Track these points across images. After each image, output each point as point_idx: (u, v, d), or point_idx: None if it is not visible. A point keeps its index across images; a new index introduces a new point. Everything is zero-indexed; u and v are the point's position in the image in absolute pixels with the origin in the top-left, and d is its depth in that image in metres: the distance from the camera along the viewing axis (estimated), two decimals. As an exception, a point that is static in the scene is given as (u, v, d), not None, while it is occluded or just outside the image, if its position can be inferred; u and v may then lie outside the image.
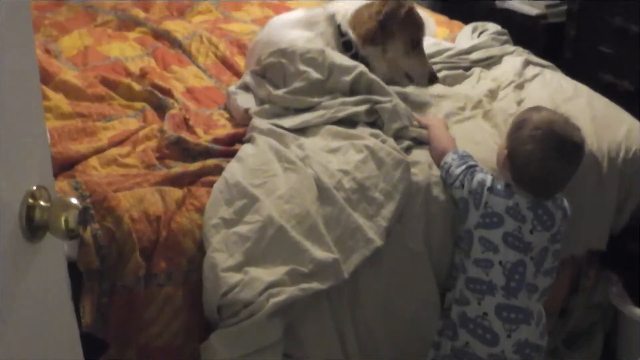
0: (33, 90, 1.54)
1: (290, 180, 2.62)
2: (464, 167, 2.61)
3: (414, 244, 2.67)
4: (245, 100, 3.06)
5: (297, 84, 2.98)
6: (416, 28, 3.13)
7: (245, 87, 3.13)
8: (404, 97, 3.08)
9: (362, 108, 2.89)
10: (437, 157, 2.74)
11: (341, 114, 2.88)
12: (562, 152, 2.51)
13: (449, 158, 2.67)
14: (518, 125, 2.59)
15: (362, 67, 3.01)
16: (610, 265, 3.08)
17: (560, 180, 2.58)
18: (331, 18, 3.23)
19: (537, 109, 2.66)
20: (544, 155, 2.50)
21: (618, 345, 3.09)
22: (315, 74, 2.97)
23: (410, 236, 2.67)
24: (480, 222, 2.54)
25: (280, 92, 2.99)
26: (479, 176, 2.58)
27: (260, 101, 3.03)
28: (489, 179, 2.57)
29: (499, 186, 2.55)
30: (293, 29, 3.22)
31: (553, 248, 2.56)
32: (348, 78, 2.97)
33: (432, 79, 3.17)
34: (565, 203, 2.61)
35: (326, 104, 2.94)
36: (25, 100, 1.47)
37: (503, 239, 2.51)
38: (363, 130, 2.83)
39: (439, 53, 3.52)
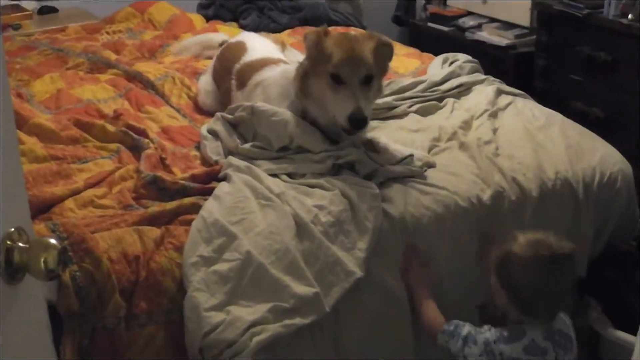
0: (8, 132, 1.52)
1: (268, 217, 2.62)
2: (459, 342, 2.45)
3: (392, 281, 2.67)
4: (214, 150, 3.07)
5: (264, 142, 3.00)
6: (334, 60, 2.81)
7: (215, 134, 3.13)
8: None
9: (327, 165, 2.88)
10: (427, 332, 2.63)
11: (305, 171, 2.88)
12: (560, 268, 2.43)
13: (442, 340, 2.50)
14: (503, 263, 2.46)
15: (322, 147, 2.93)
16: (588, 291, 3.08)
17: (568, 291, 2.49)
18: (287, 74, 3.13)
19: (512, 237, 2.52)
20: (545, 281, 2.41)
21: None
22: (277, 143, 2.97)
23: (389, 273, 2.67)
24: None
25: (247, 145, 3.00)
26: (480, 337, 2.43)
27: (229, 151, 3.03)
28: (491, 334, 2.43)
29: (505, 333, 2.43)
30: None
31: None
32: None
33: (355, 123, 2.77)
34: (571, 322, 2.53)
35: (292, 157, 2.95)
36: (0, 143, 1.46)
37: None
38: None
39: (412, 86, 3.55)
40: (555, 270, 2.42)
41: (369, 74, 2.86)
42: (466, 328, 2.47)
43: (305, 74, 2.95)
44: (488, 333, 2.43)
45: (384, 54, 2.97)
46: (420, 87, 3.55)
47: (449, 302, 2.74)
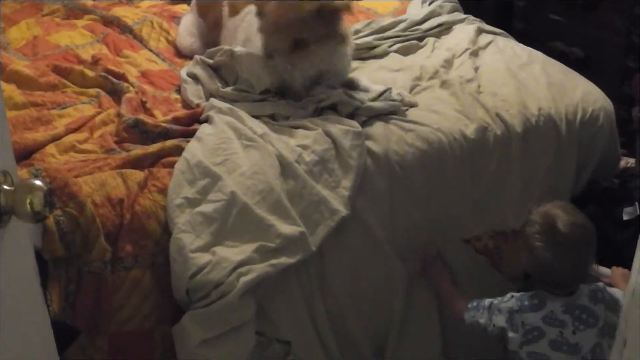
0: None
1: (252, 157, 2.61)
2: (485, 313, 2.52)
3: (377, 222, 2.68)
4: (195, 93, 3.06)
5: (246, 86, 2.99)
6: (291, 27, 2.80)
7: (195, 77, 3.12)
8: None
9: (308, 110, 2.87)
10: (456, 317, 2.66)
11: (286, 113, 2.88)
12: (577, 245, 2.45)
13: (469, 318, 2.56)
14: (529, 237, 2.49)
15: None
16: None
17: (586, 267, 2.51)
18: None
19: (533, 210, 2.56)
20: (562, 256, 2.42)
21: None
22: (259, 86, 2.96)
23: (374, 213, 2.68)
24: (523, 340, 2.46)
25: (228, 89, 3.00)
26: (503, 306, 2.49)
27: (210, 94, 3.03)
28: (514, 302, 2.49)
29: (526, 302, 2.48)
30: None
31: (608, 342, 2.45)
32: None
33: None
34: (609, 293, 2.51)
35: (274, 100, 2.94)
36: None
37: (550, 346, 2.44)
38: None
39: (392, 25, 3.54)
40: (572, 247, 2.43)
41: None
42: (487, 300, 2.53)
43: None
44: (511, 302, 2.49)
45: None
46: (400, 27, 3.54)
47: (437, 236, 2.80)
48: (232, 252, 2.43)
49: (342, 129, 2.70)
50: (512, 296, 2.51)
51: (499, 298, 2.53)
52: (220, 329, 2.39)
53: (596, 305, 2.46)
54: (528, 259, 2.50)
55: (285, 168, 2.59)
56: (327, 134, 2.70)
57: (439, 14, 3.67)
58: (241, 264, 2.40)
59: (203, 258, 2.40)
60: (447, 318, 2.82)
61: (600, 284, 2.53)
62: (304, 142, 2.67)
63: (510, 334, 2.46)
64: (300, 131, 2.74)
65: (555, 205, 2.53)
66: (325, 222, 2.55)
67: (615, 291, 2.51)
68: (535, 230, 2.46)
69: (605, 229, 2.98)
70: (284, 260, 2.46)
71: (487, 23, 3.74)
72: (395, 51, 3.38)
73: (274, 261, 2.44)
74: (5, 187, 1.42)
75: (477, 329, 2.56)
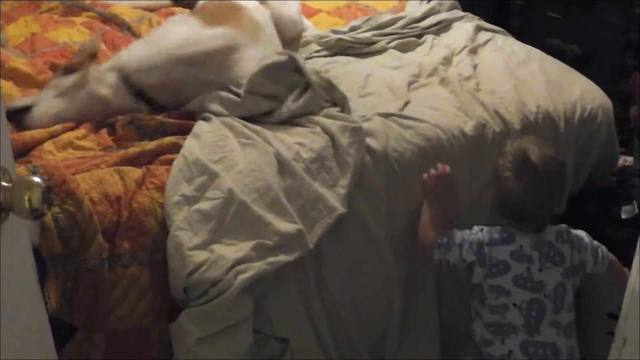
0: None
1: (249, 155, 2.61)
2: (456, 249, 2.51)
3: (374, 220, 2.68)
4: None
5: None
6: None
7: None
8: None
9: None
10: (421, 248, 2.65)
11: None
12: (546, 178, 2.49)
13: (438, 255, 2.55)
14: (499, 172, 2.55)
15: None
16: (569, 225, 3.09)
17: (554, 203, 2.58)
18: None
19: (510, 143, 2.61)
20: (531, 189, 2.47)
21: (583, 302, 3.11)
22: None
23: (371, 211, 2.68)
24: (487, 273, 2.48)
25: None
26: (473, 239, 2.50)
27: None
28: (484, 235, 2.51)
29: (496, 235, 2.51)
30: None
31: (571, 282, 2.52)
32: None
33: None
34: (574, 234, 2.56)
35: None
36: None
37: (513, 282, 2.46)
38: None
39: (391, 22, 3.56)
40: (541, 178, 2.48)
41: None
42: (458, 235, 2.54)
43: None
44: (480, 234, 2.52)
45: None
46: (399, 24, 3.55)
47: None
48: (230, 250, 2.43)
49: (340, 125, 2.71)
50: (482, 229, 2.53)
51: (468, 231, 2.54)
52: (218, 327, 2.38)
53: (562, 245, 2.51)
54: (498, 190, 2.55)
55: (283, 166, 2.59)
56: (325, 130, 2.70)
57: (437, 12, 3.69)
58: (239, 261, 2.40)
59: (201, 256, 2.39)
60: (446, 318, 2.82)
61: (564, 225, 2.58)
62: (302, 139, 2.68)
63: (477, 268, 2.49)
64: (298, 129, 2.74)
65: (529, 139, 2.59)
66: (322, 219, 2.55)
67: (578, 232, 2.58)
68: (507, 160, 2.51)
69: (603, 227, 2.99)
70: (281, 258, 2.45)
71: (485, 20, 3.75)
72: (394, 48, 3.39)
73: (271, 259, 2.44)
74: (4, 183, 1.41)
75: (443, 266, 2.61)
